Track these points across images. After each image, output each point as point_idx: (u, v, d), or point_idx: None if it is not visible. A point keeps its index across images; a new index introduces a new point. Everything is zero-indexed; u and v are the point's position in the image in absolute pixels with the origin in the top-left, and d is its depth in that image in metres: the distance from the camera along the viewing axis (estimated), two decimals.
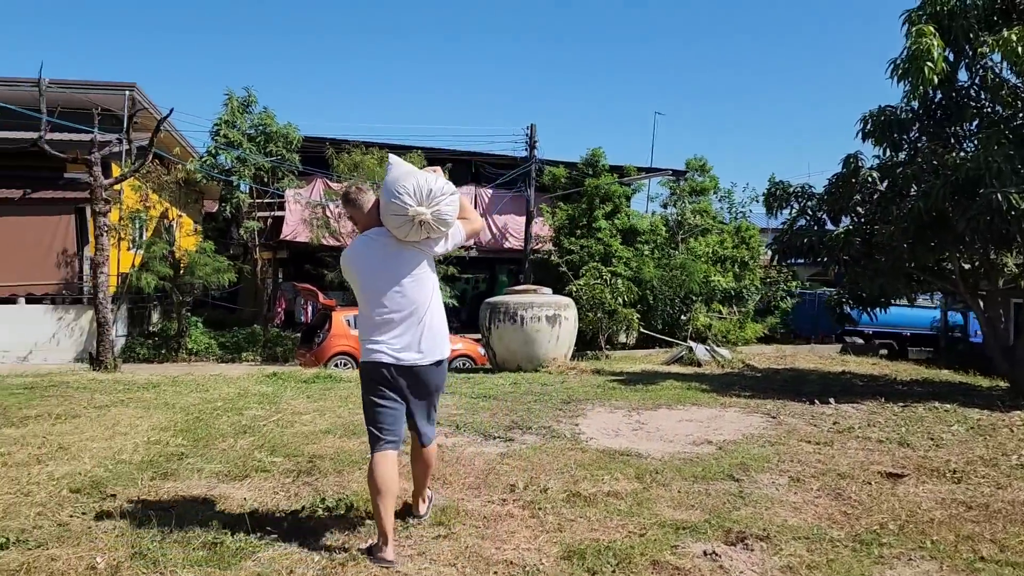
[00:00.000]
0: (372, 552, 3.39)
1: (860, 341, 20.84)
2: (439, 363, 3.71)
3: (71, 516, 3.90)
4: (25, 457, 5.11)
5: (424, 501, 3.97)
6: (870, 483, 4.79)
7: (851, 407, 8.02)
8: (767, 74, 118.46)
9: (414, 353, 3.60)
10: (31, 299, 16.20)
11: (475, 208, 20.89)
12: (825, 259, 10.54)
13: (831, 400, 8.39)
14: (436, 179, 3.60)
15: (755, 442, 6.07)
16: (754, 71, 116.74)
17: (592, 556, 3.41)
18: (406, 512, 3.94)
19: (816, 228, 10.69)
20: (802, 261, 11.36)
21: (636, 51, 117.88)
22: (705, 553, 3.50)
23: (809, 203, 10.86)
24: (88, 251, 15.47)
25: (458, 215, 3.72)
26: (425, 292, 3.67)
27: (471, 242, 23.73)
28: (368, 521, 3.80)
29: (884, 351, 20.38)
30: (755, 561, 3.45)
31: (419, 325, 3.62)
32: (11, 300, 16.01)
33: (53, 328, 16.05)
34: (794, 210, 10.97)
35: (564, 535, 3.72)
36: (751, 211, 27.47)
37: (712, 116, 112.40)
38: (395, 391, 3.61)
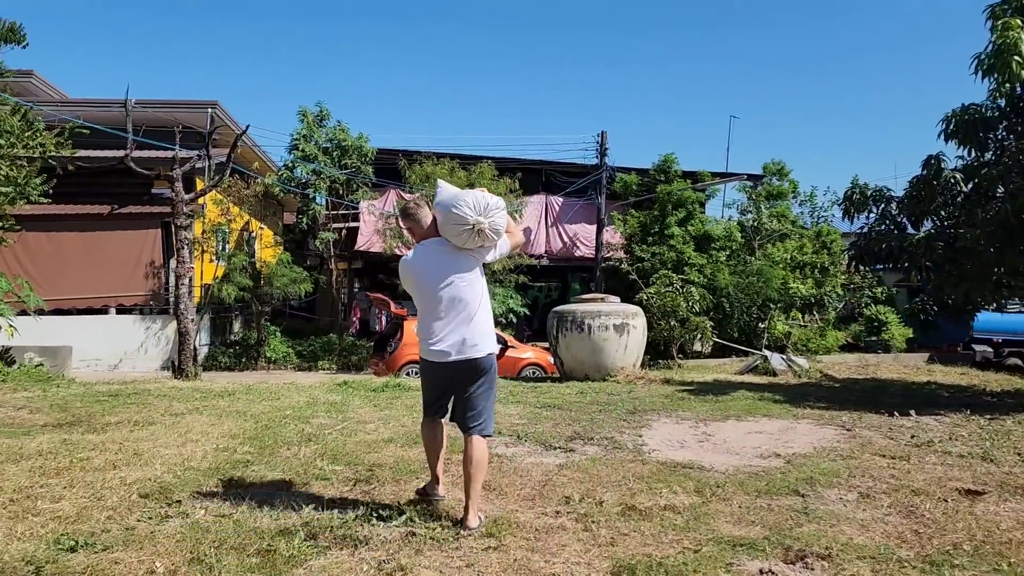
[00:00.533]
0: (426, 492, 4.36)
1: (988, 350, 19.46)
2: (488, 355, 4.14)
3: (138, 521, 4.02)
4: (102, 462, 5.30)
5: (475, 513, 3.97)
6: (946, 500, 4.55)
7: (933, 419, 7.67)
8: (850, 74, 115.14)
9: (465, 347, 4.07)
10: (121, 310, 16.94)
11: (545, 216, 21.02)
12: (906, 264, 10.12)
13: (912, 412, 8.05)
14: (490, 196, 4.10)
15: (826, 456, 5.86)
16: (836, 70, 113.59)
17: (643, 572, 3.33)
18: (458, 523, 3.95)
19: (896, 232, 10.29)
20: (881, 267, 10.95)
21: (710, 55, 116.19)
22: (761, 572, 3.38)
23: (888, 206, 10.46)
24: (173, 263, 16.08)
25: (505, 229, 4.19)
26: (476, 293, 4.14)
27: (542, 250, 23.82)
28: (418, 532, 3.81)
29: (1016, 361, 18.72)
30: None
31: (470, 323, 4.09)
32: (103, 311, 16.78)
33: (141, 337, 16.75)
34: (872, 214, 10.58)
35: (616, 549, 3.65)
36: (833, 215, 26.73)
37: (792, 118, 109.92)
38: (448, 381, 4.18)
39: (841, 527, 4.04)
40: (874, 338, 22.96)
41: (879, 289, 24.57)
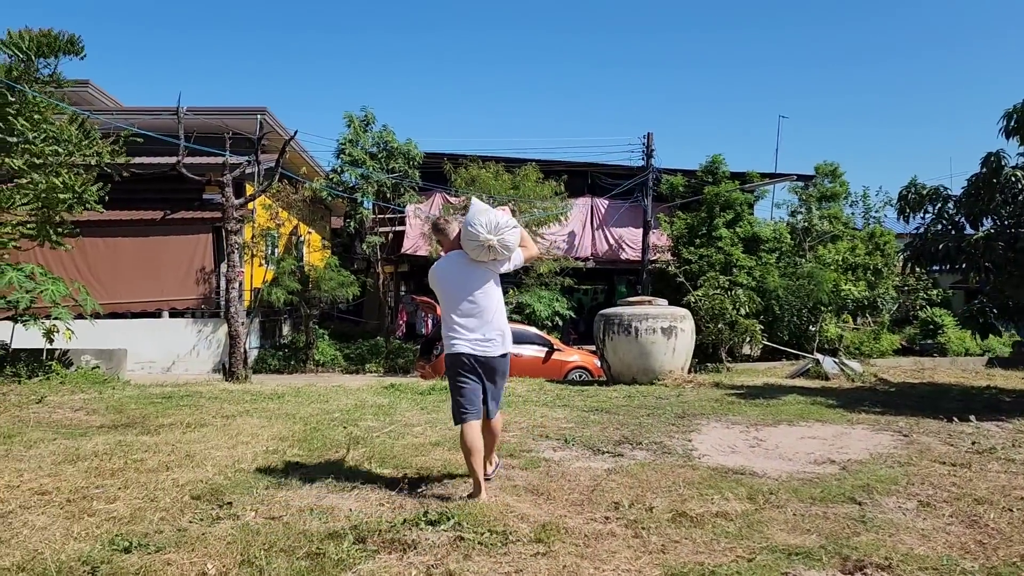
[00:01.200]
0: (471, 497, 4.51)
1: None
2: (503, 355, 4.72)
3: (190, 522, 4.07)
4: (156, 464, 5.39)
5: (491, 464, 4.89)
6: (1011, 510, 4.38)
7: (994, 425, 7.42)
8: (903, 71, 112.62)
9: (484, 346, 4.63)
10: (174, 313, 17.26)
11: (591, 218, 21.05)
12: (964, 265, 9.81)
13: (972, 418, 7.80)
14: (504, 216, 4.67)
15: (883, 462, 5.69)
16: (888, 67, 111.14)
17: None
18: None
19: (953, 232, 9.98)
20: (938, 268, 10.64)
21: (758, 54, 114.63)
22: None
23: (945, 206, 10.16)
24: (224, 267, 16.35)
25: (519, 244, 4.76)
26: (492, 300, 4.73)
27: (588, 253, 23.76)
28: (467, 537, 3.78)
29: None
30: None
31: (487, 325, 4.66)
32: (156, 314, 17.13)
33: (193, 340, 17.05)
34: (929, 214, 10.29)
35: (667, 557, 3.57)
36: (886, 216, 26.16)
37: (841, 117, 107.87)
38: (472, 374, 4.64)
39: (901, 536, 3.91)
40: (929, 341, 22.38)
41: (935, 291, 23.96)
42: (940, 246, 9.68)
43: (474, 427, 4.56)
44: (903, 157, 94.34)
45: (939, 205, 10.10)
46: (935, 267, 10.45)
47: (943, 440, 6.64)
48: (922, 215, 10.28)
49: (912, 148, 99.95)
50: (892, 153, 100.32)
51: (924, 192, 10.15)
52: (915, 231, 10.44)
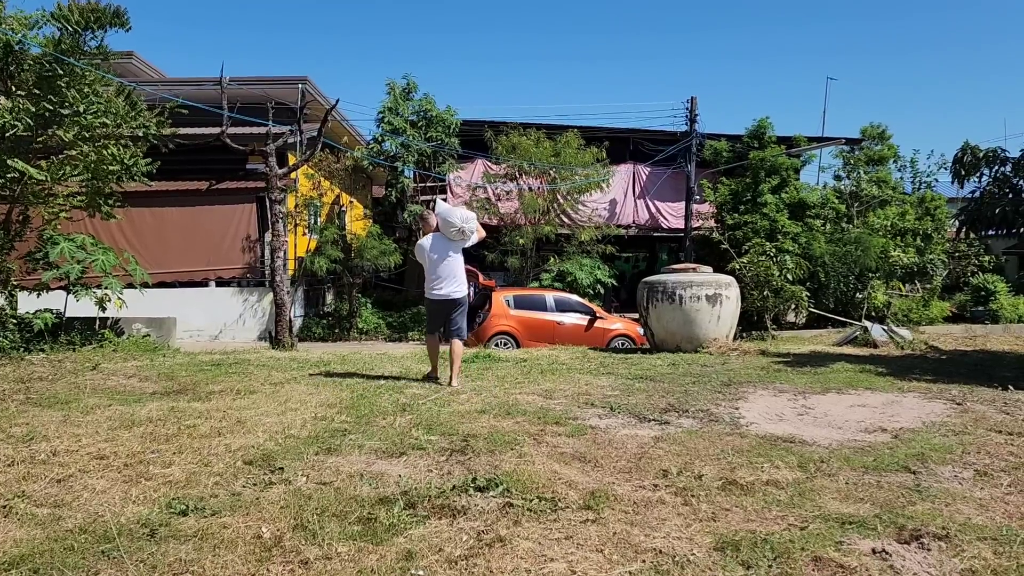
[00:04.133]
0: (428, 377, 7.89)
1: None
2: (462, 296, 7.65)
3: (243, 487, 4.13)
4: (208, 430, 5.48)
5: (457, 377, 7.49)
6: None
7: None
8: (952, 26, 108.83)
9: (449, 292, 7.54)
10: (220, 282, 17.54)
11: (633, 185, 21.32)
12: (1022, 230, 9.53)
13: None
14: (468, 211, 7.71)
15: (936, 431, 5.58)
16: (942, 25, 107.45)
17: (747, 548, 3.22)
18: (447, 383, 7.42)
19: (1011, 196, 9.68)
20: (994, 232, 10.35)
21: (805, 12, 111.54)
22: (874, 551, 3.22)
23: (1003, 169, 9.84)
24: (268, 237, 16.52)
25: (475, 229, 7.58)
26: (459, 263, 7.61)
27: (629, 221, 23.59)
28: (516, 503, 3.79)
29: None
30: (931, 562, 3.13)
31: (453, 280, 7.55)
32: (203, 284, 17.42)
33: (239, 309, 17.33)
34: (985, 177, 9.98)
35: (718, 524, 3.55)
36: (936, 180, 25.50)
37: (892, 78, 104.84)
38: (440, 310, 7.64)
39: (958, 506, 3.84)
40: (981, 308, 21.87)
41: (986, 257, 23.36)
42: (997, 210, 9.41)
43: (434, 337, 7.94)
44: (954, 119, 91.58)
45: (996, 168, 9.79)
46: (991, 231, 10.17)
47: (999, 408, 6.50)
48: (978, 178, 9.98)
49: (964, 109, 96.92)
50: (943, 115, 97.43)
51: (980, 154, 9.84)
52: (970, 195, 10.15)
